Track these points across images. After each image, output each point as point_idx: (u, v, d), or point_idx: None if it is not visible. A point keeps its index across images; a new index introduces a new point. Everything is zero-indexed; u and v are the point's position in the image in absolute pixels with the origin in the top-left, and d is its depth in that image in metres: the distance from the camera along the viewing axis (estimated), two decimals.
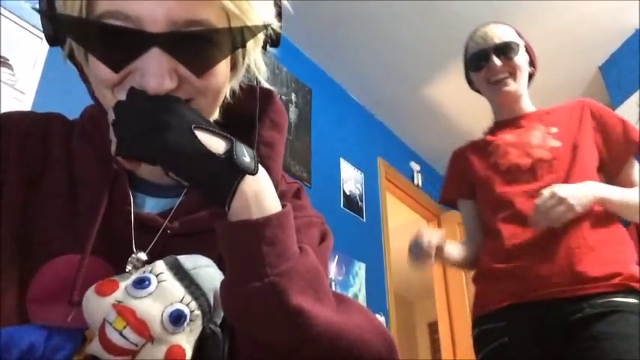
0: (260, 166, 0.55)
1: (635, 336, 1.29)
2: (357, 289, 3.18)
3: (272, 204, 0.54)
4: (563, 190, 1.39)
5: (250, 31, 0.58)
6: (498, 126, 1.74)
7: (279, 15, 0.64)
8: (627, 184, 1.58)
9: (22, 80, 1.89)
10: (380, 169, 3.92)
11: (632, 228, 3.13)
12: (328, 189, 3.29)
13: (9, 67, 1.86)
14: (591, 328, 1.33)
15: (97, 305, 0.48)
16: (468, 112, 3.99)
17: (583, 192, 1.41)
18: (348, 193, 3.44)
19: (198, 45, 0.55)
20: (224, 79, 0.60)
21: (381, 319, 3.31)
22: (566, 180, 1.49)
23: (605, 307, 1.34)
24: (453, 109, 3.97)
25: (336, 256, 3.06)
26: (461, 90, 3.77)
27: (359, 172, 3.66)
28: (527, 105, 1.72)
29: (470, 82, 1.81)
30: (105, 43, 0.54)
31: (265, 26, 0.60)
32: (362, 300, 3.18)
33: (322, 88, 3.58)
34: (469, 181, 1.74)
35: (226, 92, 0.67)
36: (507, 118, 1.71)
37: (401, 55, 3.51)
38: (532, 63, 1.72)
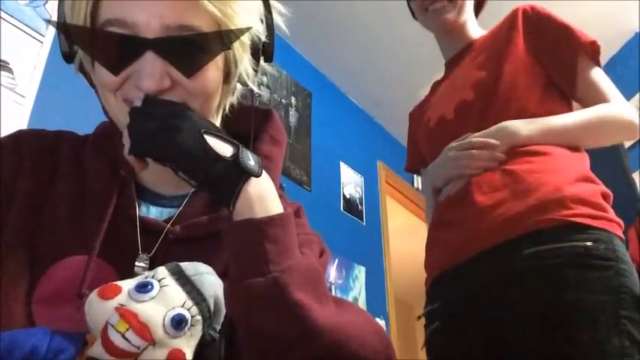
0: (265, 172, 0.58)
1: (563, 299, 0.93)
2: (357, 292, 3.18)
3: (275, 206, 0.57)
4: (453, 153, 1.15)
5: (234, 34, 0.62)
6: (446, 70, 1.49)
7: (270, 30, 0.69)
8: (592, 99, 1.17)
9: (23, 84, 1.89)
10: (380, 172, 3.92)
11: (631, 228, 3.12)
12: (328, 192, 3.29)
13: (9, 70, 1.87)
14: (527, 292, 0.98)
15: (99, 308, 0.49)
16: None
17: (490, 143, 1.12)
18: (348, 196, 3.45)
19: (187, 48, 0.59)
20: (214, 84, 0.64)
21: (381, 322, 3.31)
22: (490, 117, 1.18)
23: (536, 260, 0.98)
24: None
25: (336, 260, 3.05)
26: None
27: (359, 175, 3.66)
28: (473, 35, 1.41)
29: (412, 13, 1.50)
30: (105, 49, 0.59)
31: (248, 28, 0.63)
32: (362, 303, 3.18)
33: (322, 92, 3.58)
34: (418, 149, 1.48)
35: (225, 104, 0.71)
36: (453, 56, 1.44)
37: (401, 59, 3.52)
38: None
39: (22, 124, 1.78)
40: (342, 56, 3.52)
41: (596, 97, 1.17)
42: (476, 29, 1.42)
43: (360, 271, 3.27)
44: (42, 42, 1.98)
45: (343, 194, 3.42)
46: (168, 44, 0.58)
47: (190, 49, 0.59)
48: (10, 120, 1.75)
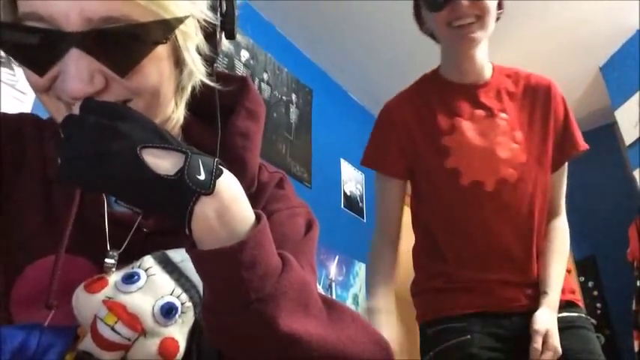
0: (228, 173, 0.50)
1: (594, 352, 1.31)
2: (358, 289, 3.18)
3: (241, 221, 0.49)
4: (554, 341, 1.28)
5: (171, 24, 0.52)
6: (450, 92, 1.46)
7: (230, 3, 0.60)
8: (553, 197, 1.43)
9: (23, 80, 1.89)
10: None
11: (632, 227, 3.12)
12: (329, 189, 3.29)
13: (9, 67, 1.87)
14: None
15: (87, 302, 0.48)
16: None
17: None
18: (348, 193, 3.44)
19: (117, 42, 0.50)
20: (158, 78, 0.55)
21: None
22: (526, 207, 1.35)
23: (563, 323, 1.31)
24: None
25: (337, 257, 3.05)
26: None
27: (359, 172, 3.65)
28: (485, 61, 1.44)
29: (420, 22, 1.49)
30: (24, 47, 0.51)
31: (186, 17, 0.53)
32: (362, 300, 3.18)
33: (323, 89, 3.58)
34: (409, 160, 1.48)
35: (187, 88, 0.62)
36: (463, 83, 1.44)
37: (401, 56, 3.51)
38: (499, 4, 1.39)
39: None
40: (343, 53, 3.51)
41: (555, 200, 1.44)
42: (485, 54, 1.45)
43: (361, 268, 3.27)
44: None
45: (344, 191, 3.41)
46: (94, 39, 0.49)
47: (121, 43, 0.50)
48: None
